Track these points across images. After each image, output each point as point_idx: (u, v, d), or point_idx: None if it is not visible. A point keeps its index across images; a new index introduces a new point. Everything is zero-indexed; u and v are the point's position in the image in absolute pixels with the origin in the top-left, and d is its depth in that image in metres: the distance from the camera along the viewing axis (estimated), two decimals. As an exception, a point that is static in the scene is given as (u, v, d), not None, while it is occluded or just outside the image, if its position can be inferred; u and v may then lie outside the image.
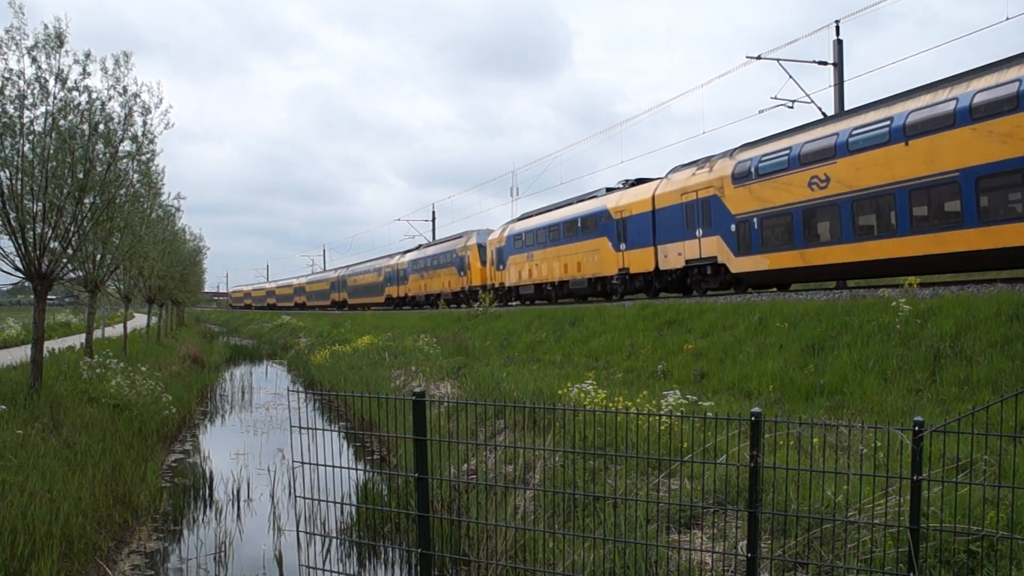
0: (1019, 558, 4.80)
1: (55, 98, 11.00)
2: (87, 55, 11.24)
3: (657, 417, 7.83)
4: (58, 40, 10.83)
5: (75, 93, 11.21)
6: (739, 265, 19.98)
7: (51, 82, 10.92)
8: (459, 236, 44.15)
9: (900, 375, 10.33)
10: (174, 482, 11.92)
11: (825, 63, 23.04)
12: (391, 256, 58.74)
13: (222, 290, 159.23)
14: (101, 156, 11.85)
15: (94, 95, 11.54)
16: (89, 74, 11.29)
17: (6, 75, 10.54)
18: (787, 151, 18.40)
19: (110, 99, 11.77)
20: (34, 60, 10.72)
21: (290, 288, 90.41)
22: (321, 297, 77.84)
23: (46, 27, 10.79)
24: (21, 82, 10.69)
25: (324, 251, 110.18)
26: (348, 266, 71.42)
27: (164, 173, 17.38)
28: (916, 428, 4.31)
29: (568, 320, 21.31)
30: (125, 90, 11.92)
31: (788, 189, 18.16)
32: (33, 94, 10.80)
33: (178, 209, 24.42)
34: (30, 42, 10.69)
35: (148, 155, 13.18)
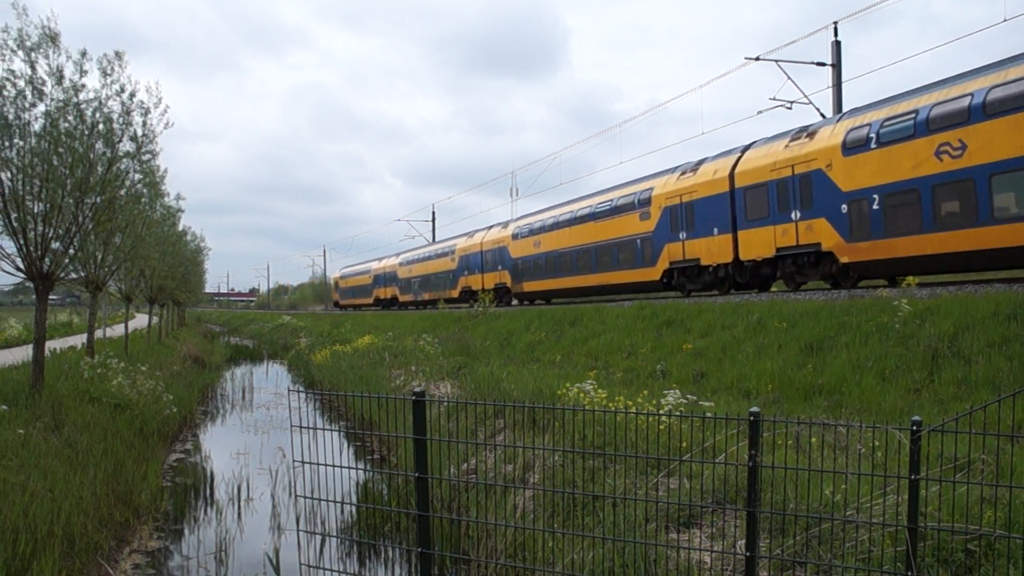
0: (1017, 557, 4.82)
1: (52, 98, 11.00)
2: (83, 54, 11.19)
3: (656, 417, 7.85)
4: (52, 40, 10.81)
5: (72, 92, 11.20)
6: None
7: (48, 82, 10.92)
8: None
9: (898, 375, 10.35)
10: (175, 481, 11.94)
11: (824, 64, 23.09)
12: (471, 233, 41.87)
13: (223, 290, 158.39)
14: (100, 156, 11.84)
15: (91, 95, 11.53)
16: (86, 72, 11.27)
17: (6, 76, 10.55)
18: None
19: (108, 99, 11.75)
20: (29, 60, 10.70)
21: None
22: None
23: (40, 27, 10.78)
24: (21, 82, 10.70)
25: (324, 251, 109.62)
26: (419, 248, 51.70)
27: (167, 175, 17.44)
28: (914, 427, 4.33)
29: (568, 320, 21.33)
30: (122, 89, 11.89)
31: None
32: (31, 94, 10.80)
33: (179, 210, 24.44)
34: (30, 42, 10.69)
35: (149, 156, 13.17)
